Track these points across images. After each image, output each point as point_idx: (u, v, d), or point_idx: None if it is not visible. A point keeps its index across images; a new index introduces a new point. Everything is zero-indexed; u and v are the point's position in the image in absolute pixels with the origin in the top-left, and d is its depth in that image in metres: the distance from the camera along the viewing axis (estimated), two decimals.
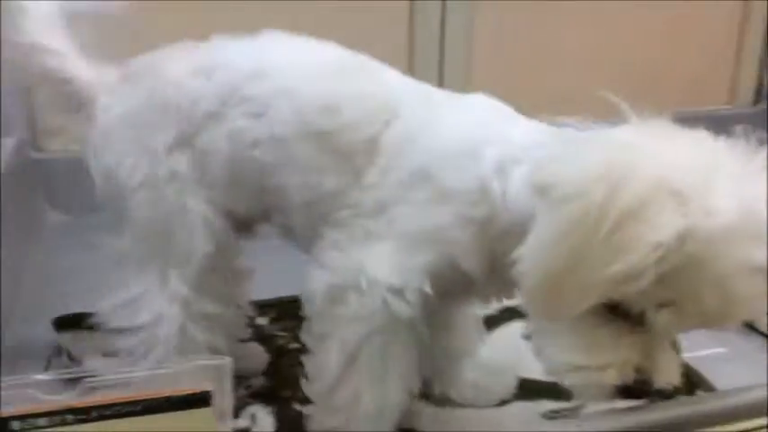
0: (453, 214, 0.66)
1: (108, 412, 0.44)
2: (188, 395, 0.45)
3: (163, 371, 0.43)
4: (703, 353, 0.95)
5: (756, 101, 1.73)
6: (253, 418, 0.81)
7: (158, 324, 0.75)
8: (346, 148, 0.71)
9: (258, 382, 0.88)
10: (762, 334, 0.99)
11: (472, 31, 1.52)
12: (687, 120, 1.91)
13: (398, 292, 0.66)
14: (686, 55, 1.68)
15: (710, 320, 0.55)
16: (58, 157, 1.33)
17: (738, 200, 0.52)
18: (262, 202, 0.77)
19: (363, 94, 0.72)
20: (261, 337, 0.97)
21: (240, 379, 0.85)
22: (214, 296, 0.77)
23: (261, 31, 0.79)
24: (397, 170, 0.69)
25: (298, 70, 0.74)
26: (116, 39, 0.79)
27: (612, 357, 0.58)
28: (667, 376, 0.60)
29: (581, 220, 0.52)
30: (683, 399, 0.76)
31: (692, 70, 1.69)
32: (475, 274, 0.67)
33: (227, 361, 0.44)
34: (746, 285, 0.52)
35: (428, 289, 0.67)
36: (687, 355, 0.90)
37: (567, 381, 0.61)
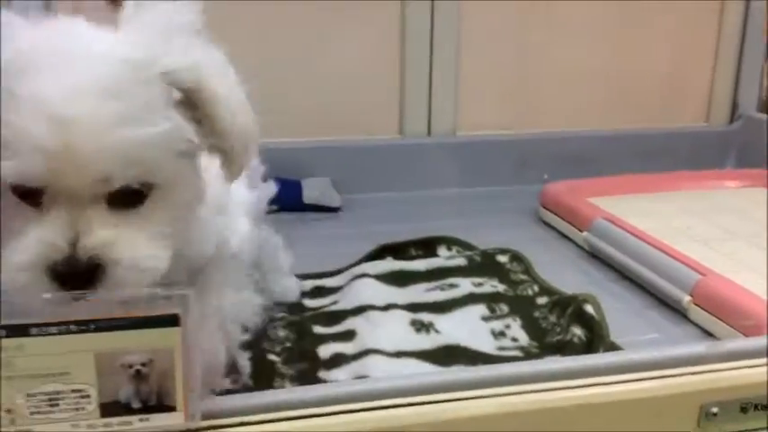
0: None
1: (101, 325, 0.58)
2: (162, 316, 0.59)
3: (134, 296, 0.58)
4: (639, 338, 1.05)
5: (732, 119, 1.80)
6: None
7: None
8: None
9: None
10: (691, 322, 1.10)
11: (460, 34, 1.61)
12: (664, 137, 2.04)
13: None
14: (663, 73, 1.76)
15: (55, 162, 0.55)
16: None
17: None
18: None
19: None
20: None
21: None
22: None
23: None
24: None
25: None
26: None
27: (34, 246, 0.57)
28: (89, 242, 0.57)
29: None
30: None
31: (668, 88, 1.76)
32: None
33: (190, 292, 0.58)
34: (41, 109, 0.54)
35: None
36: (622, 340, 1.01)
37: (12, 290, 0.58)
